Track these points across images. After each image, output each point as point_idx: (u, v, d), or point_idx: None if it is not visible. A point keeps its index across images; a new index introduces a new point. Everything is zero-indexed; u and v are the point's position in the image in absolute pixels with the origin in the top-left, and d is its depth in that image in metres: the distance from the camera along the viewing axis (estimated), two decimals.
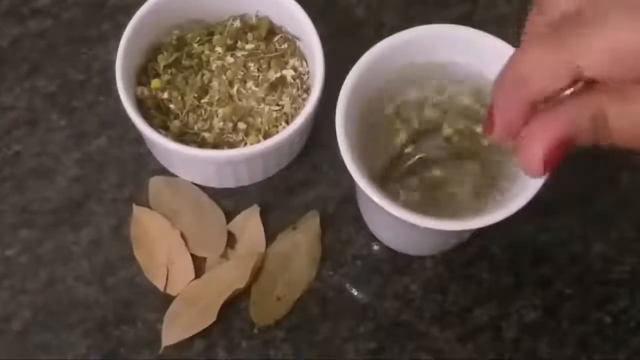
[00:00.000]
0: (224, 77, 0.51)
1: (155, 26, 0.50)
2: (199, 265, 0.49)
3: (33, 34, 0.56)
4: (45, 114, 0.53)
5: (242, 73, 0.51)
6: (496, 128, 0.33)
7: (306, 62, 0.52)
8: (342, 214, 0.51)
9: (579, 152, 0.44)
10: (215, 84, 0.51)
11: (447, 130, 0.45)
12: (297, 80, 0.51)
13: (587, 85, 0.31)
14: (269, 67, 0.51)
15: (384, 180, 0.44)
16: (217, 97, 0.50)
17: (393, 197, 0.42)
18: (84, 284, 0.49)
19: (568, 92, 0.32)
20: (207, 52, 0.52)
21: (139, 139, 0.52)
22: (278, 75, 0.51)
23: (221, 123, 0.50)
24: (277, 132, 0.49)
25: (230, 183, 0.51)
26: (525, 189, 0.41)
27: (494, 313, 0.49)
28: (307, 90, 0.51)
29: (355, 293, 0.50)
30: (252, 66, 0.51)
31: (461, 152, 0.44)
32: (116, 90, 0.48)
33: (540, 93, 0.31)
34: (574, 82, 0.30)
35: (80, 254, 0.50)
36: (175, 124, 0.49)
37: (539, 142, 0.31)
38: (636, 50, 0.28)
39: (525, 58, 0.31)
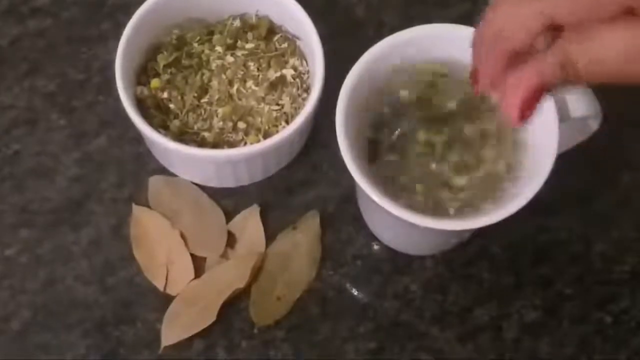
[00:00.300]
0: (223, 76, 0.51)
1: (155, 25, 0.50)
2: (198, 265, 0.49)
3: (32, 34, 0.55)
4: (45, 113, 0.53)
5: (242, 72, 0.51)
6: (480, 80, 0.36)
7: (306, 62, 0.52)
8: (342, 214, 0.51)
9: (579, 152, 0.44)
10: (215, 83, 0.51)
11: (404, 95, 0.45)
12: (297, 80, 0.51)
13: (555, 36, 0.33)
14: (268, 66, 0.51)
15: (383, 179, 0.44)
16: (216, 97, 0.50)
17: (393, 197, 0.42)
18: (83, 284, 0.49)
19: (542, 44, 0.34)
20: (207, 51, 0.51)
21: (139, 138, 0.52)
22: (278, 74, 0.51)
23: (221, 122, 0.50)
24: (277, 131, 0.49)
25: (230, 183, 0.51)
26: (525, 189, 0.41)
27: (494, 313, 0.49)
28: (307, 90, 0.51)
29: (355, 293, 0.50)
30: (252, 65, 0.51)
31: (438, 117, 0.45)
32: (116, 90, 0.47)
33: (515, 44, 0.33)
34: (545, 30, 0.33)
35: (80, 254, 0.50)
36: (175, 124, 0.49)
37: (516, 93, 0.34)
38: None
39: (498, 13, 0.34)
